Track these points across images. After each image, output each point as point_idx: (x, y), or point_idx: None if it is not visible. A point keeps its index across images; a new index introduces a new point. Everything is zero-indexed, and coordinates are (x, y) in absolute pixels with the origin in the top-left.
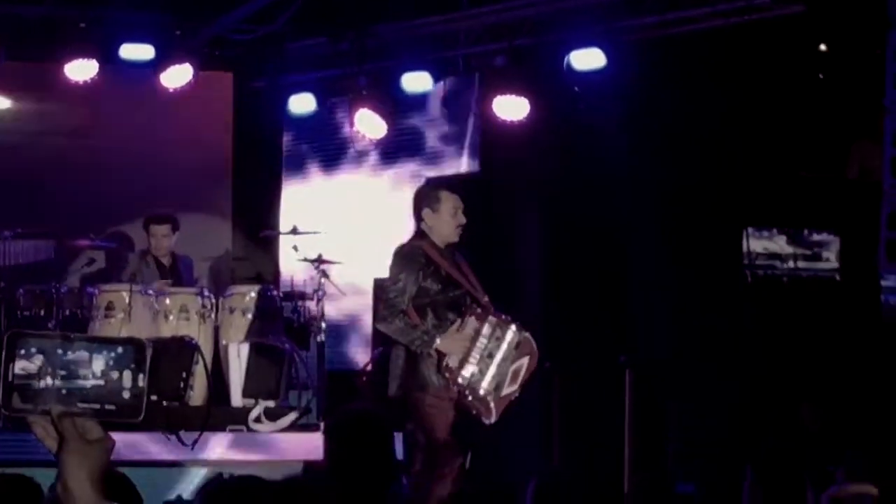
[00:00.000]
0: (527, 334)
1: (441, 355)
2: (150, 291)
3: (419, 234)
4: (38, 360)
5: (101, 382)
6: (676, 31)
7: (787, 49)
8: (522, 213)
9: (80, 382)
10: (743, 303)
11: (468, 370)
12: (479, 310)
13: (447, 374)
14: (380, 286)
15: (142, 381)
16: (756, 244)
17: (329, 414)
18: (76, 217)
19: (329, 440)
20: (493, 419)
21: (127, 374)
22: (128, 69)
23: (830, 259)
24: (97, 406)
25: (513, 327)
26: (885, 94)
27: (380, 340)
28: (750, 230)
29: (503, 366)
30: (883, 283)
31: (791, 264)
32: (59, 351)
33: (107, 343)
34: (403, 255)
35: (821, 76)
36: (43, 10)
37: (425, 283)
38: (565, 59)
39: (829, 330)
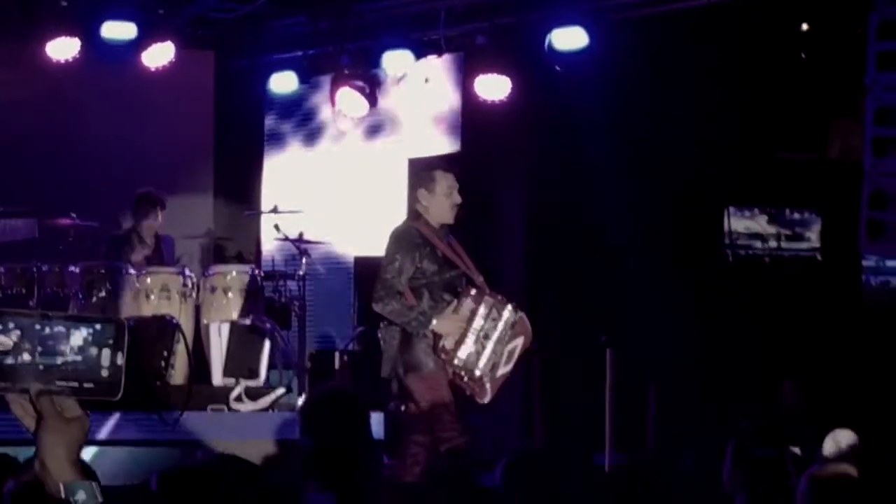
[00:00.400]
0: (522, 314)
1: (437, 336)
2: (132, 271)
3: (414, 214)
4: (15, 335)
5: (79, 360)
6: (657, 11)
7: (769, 28)
8: (504, 192)
9: (58, 359)
10: (724, 282)
11: (464, 351)
12: (474, 291)
13: (443, 356)
14: (364, 265)
15: (120, 360)
16: (737, 224)
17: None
18: (57, 195)
19: (304, 419)
20: (487, 399)
21: (105, 352)
22: (109, 48)
23: (811, 239)
24: (75, 384)
25: (509, 307)
26: (867, 74)
27: (362, 320)
28: (731, 210)
29: (499, 346)
30: (864, 262)
31: (772, 244)
32: (37, 328)
33: (85, 321)
34: (399, 236)
35: (803, 55)
36: None
37: (421, 263)
38: (546, 38)
39: (811, 309)
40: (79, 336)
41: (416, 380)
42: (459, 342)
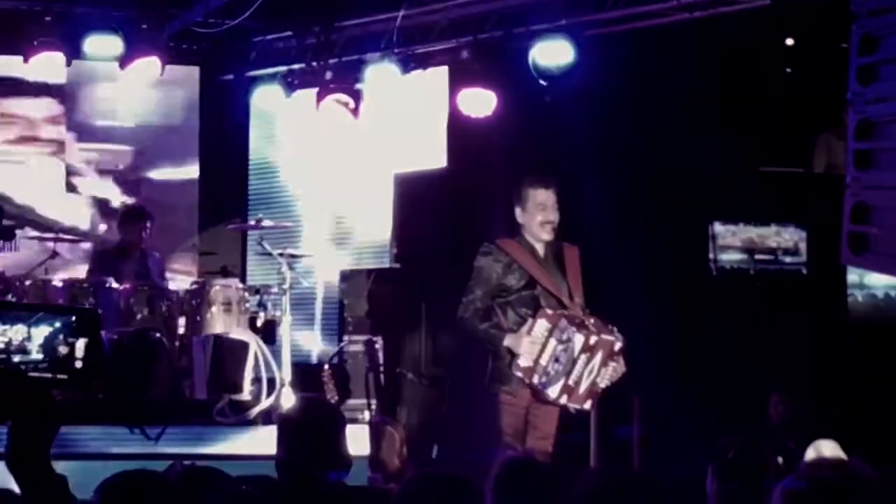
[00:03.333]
0: (605, 336)
1: (513, 355)
2: (116, 285)
3: (517, 230)
4: None
5: (55, 351)
6: (641, 26)
7: (755, 43)
8: (490, 207)
9: (33, 351)
10: (709, 296)
11: (538, 373)
12: (550, 312)
13: (519, 374)
14: (350, 280)
15: (94, 351)
16: (722, 238)
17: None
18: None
19: (279, 430)
20: (585, 407)
21: (80, 343)
22: (95, 63)
23: (797, 253)
24: (49, 375)
25: (584, 331)
26: (848, 87)
27: (345, 332)
28: (716, 224)
29: (574, 368)
30: (849, 277)
31: (757, 258)
32: (15, 322)
33: (61, 312)
34: (481, 253)
35: (788, 70)
36: (7, 4)
37: (506, 280)
38: (529, 53)
39: (796, 323)
40: (54, 328)
41: (498, 392)
42: (536, 363)
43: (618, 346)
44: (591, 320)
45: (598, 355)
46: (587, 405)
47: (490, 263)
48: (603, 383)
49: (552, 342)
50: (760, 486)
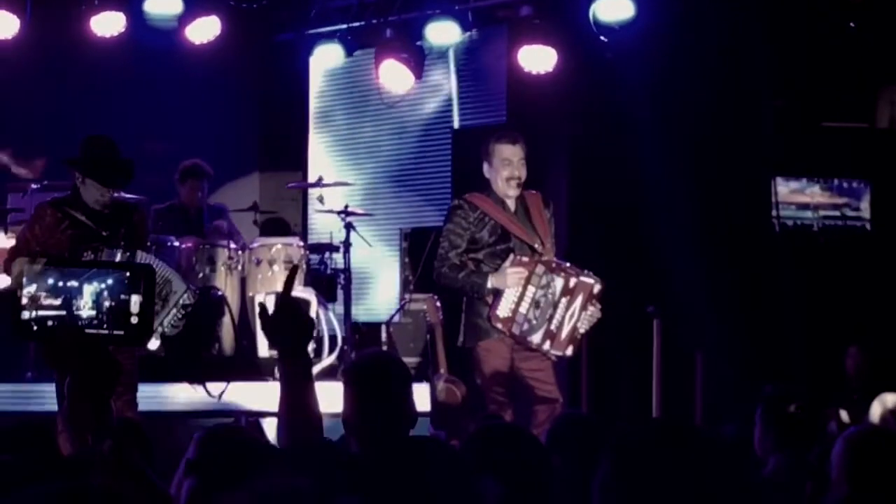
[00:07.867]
0: (584, 279)
1: (492, 308)
2: (177, 243)
3: (484, 185)
4: (47, 285)
5: (109, 307)
6: None
7: None
8: (549, 163)
9: (89, 307)
10: (772, 252)
11: (517, 323)
12: (525, 259)
13: (499, 325)
14: (412, 237)
15: (150, 306)
16: (785, 194)
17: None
18: None
19: (345, 387)
20: (567, 353)
21: (135, 299)
22: (155, 22)
23: (861, 208)
24: (105, 331)
25: (562, 274)
26: None
27: (407, 290)
28: (779, 179)
29: (554, 312)
30: None
31: (821, 214)
32: (69, 279)
33: (115, 269)
34: (451, 209)
35: (851, 24)
36: None
37: (479, 234)
38: (590, 9)
39: (861, 279)
40: (108, 284)
41: (478, 345)
42: (515, 311)
43: (597, 288)
44: (567, 264)
45: (579, 298)
46: (569, 351)
47: (458, 219)
48: (583, 328)
49: (530, 289)
50: (809, 431)
